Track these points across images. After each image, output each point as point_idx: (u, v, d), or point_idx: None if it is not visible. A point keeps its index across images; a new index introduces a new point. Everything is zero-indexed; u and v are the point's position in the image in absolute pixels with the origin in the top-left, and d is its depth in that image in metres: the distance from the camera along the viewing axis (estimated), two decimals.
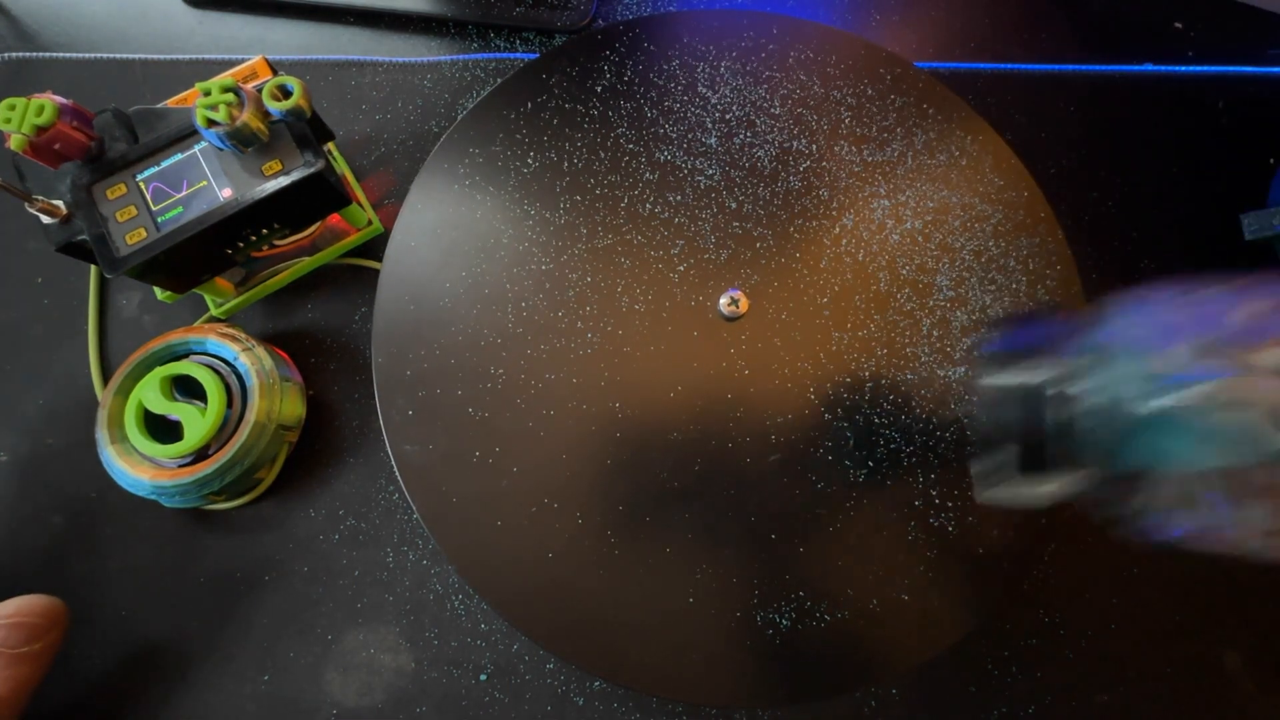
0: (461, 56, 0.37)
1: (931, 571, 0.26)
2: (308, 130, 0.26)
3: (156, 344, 0.29)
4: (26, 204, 0.24)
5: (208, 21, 0.37)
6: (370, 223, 0.33)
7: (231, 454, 0.27)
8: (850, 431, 0.27)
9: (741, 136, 0.31)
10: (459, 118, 0.30)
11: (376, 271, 0.29)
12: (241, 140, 0.25)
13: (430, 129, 0.36)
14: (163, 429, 0.28)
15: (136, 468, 0.27)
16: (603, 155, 0.30)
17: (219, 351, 0.29)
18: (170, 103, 0.29)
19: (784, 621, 0.25)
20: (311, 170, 0.26)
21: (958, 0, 0.40)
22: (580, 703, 0.29)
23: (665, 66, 0.32)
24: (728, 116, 0.31)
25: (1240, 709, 0.30)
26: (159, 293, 0.30)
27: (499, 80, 0.32)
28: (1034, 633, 0.30)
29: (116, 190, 0.26)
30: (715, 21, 0.32)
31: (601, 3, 0.38)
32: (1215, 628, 0.31)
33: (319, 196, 0.28)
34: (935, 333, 0.28)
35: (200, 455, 0.27)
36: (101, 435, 0.27)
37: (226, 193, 0.26)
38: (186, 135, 0.26)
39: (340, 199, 0.29)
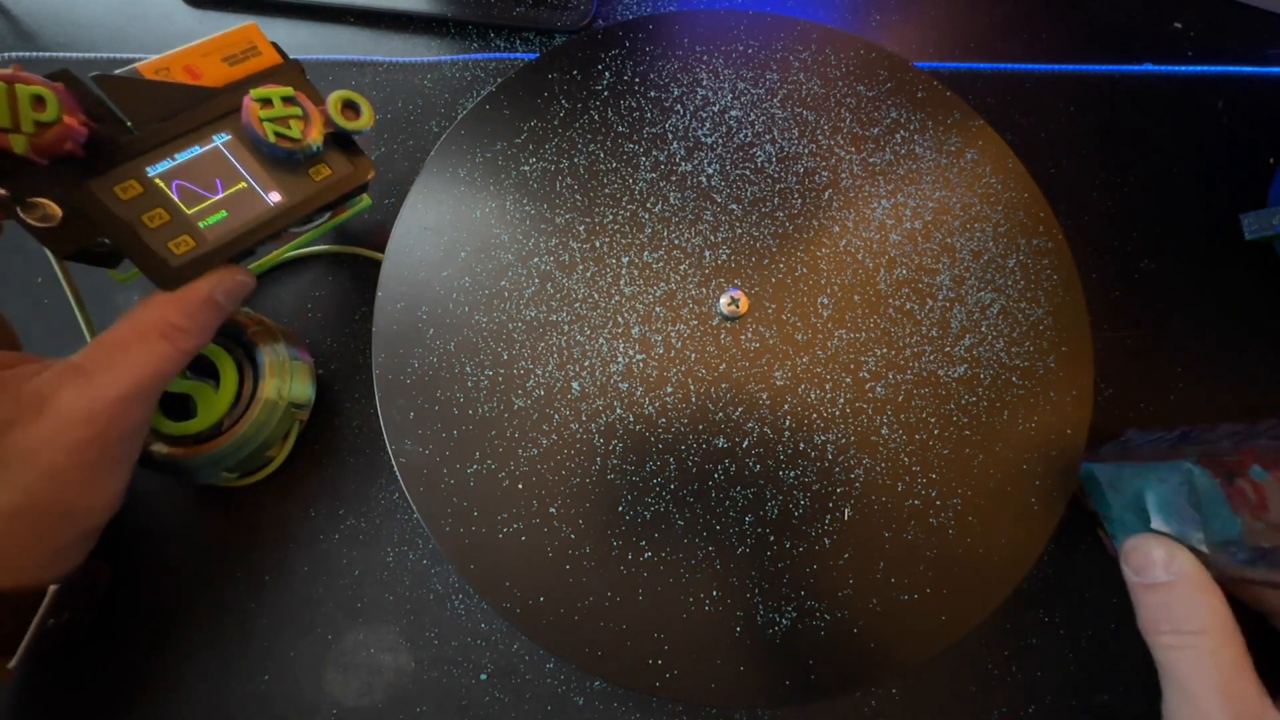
0: (461, 56, 0.37)
1: (931, 571, 0.26)
2: (348, 133, 0.26)
3: None
4: (20, 210, 0.20)
5: (207, 21, 0.37)
6: (360, 199, 0.32)
7: (244, 431, 0.28)
8: (850, 431, 0.27)
9: (741, 137, 0.31)
10: (459, 118, 0.30)
11: (376, 271, 0.29)
12: (305, 154, 0.24)
13: (430, 129, 0.36)
14: (174, 407, 0.28)
15: (150, 444, 0.27)
16: (603, 155, 0.30)
17: (230, 330, 0.29)
18: (144, 70, 0.23)
19: (784, 621, 0.25)
20: (368, 178, 0.25)
21: (958, 0, 0.40)
22: (580, 703, 0.29)
23: (665, 66, 0.32)
24: (728, 116, 0.31)
25: None
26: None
27: (499, 80, 0.32)
28: (1034, 633, 0.30)
29: (129, 189, 0.22)
30: (715, 21, 0.32)
31: (601, 3, 0.39)
32: None
33: (349, 193, 0.27)
34: (935, 333, 0.29)
35: (214, 432, 0.28)
36: None
37: (276, 198, 0.24)
38: (203, 125, 0.23)
39: (361, 190, 0.28)
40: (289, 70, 0.25)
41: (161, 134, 0.22)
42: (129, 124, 0.22)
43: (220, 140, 0.23)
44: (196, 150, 0.23)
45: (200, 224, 0.23)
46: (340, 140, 0.25)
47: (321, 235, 0.32)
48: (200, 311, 0.23)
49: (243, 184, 0.23)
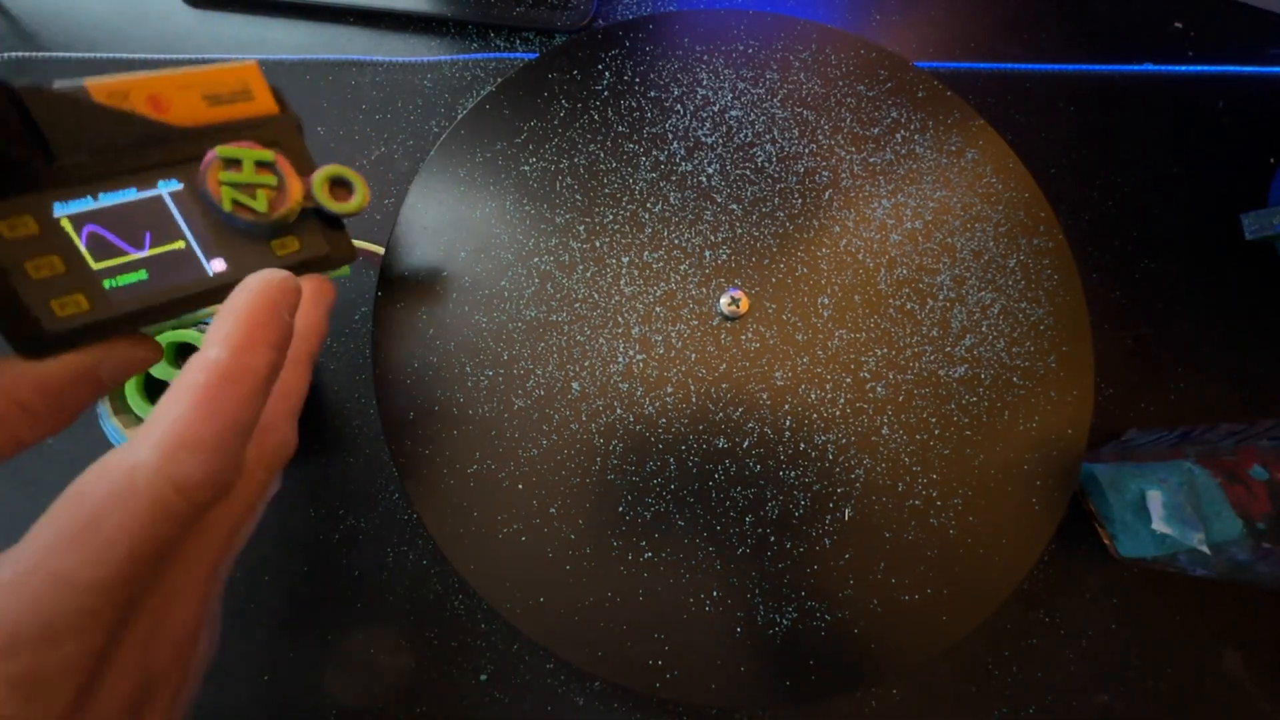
0: (461, 56, 0.37)
1: (931, 571, 0.26)
2: (334, 215, 0.21)
3: None
4: None
5: (207, 21, 0.37)
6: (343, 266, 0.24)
7: None
8: (851, 431, 0.27)
9: (741, 136, 0.31)
10: (459, 118, 0.30)
11: (377, 271, 0.29)
12: (269, 233, 0.19)
13: (430, 129, 0.36)
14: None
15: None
16: (603, 155, 0.30)
17: None
18: (95, 91, 0.16)
19: (784, 622, 0.25)
20: (346, 264, 0.21)
21: (958, 0, 0.40)
22: (580, 703, 0.29)
23: (665, 66, 0.31)
24: (728, 116, 0.31)
25: (1240, 709, 0.30)
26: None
27: (499, 80, 0.32)
28: (1034, 633, 0.30)
29: (19, 225, 0.16)
30: (715, 21, 0.32)
31: (601, 3, 0.38)
32: (1215, 628, 0.31)
33: (322, 268, 0.22)
34: (936, 333, 0.28)
35: None
36: (104, 407, 0.27)
37: (219, 267, 0.19)
38: (150, 166, 0.18)
39: (342, 263, 0.22)
40: (283, 125, 0.19)
41: (89, 168, 0.17)
42: (50, 148, 0.16)
43: (166, 188, 0.18)
44: (132, 194, 0.17)
45: (105, 283, 0.17)
46: (329, 220, 0.21)
47: None
48: (68, 390, 0.16)
49: (180, 244, 0.18)
